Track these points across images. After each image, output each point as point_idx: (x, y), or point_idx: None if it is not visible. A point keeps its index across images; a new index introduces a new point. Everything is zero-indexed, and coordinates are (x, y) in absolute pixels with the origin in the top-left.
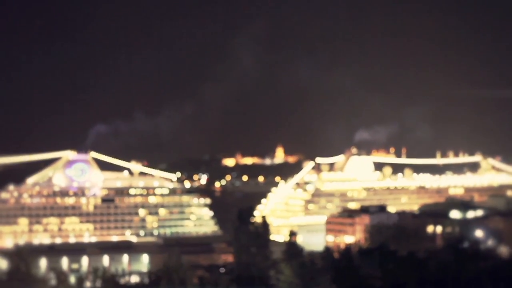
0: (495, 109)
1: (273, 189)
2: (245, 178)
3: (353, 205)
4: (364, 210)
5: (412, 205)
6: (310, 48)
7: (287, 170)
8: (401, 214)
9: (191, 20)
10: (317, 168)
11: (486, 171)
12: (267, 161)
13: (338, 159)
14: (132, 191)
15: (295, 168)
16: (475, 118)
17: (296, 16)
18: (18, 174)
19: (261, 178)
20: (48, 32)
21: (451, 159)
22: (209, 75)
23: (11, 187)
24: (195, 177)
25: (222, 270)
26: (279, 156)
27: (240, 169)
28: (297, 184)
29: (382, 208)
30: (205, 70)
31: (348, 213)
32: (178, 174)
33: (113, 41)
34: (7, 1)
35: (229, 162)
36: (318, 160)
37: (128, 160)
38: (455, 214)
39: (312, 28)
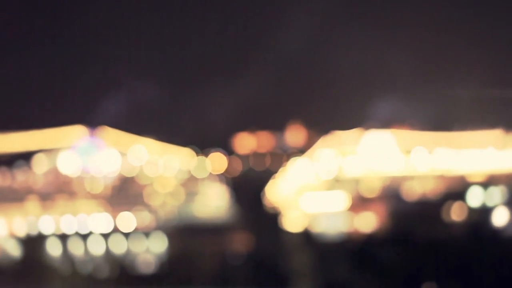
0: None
1: (285, 167)
2: (260, 162)
3: (371, 190)
4: (382, 195)
5: (432, 189)
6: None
7: (304, 149)
8: (420, 200)
9: None
10: (334, 143)
11: (508, 145)
12: (283, 140)
13: (356, 133)
14: (147, 173)
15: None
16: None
17: None
18: (25, 152)
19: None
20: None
21: (471, 134)
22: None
23: (19, 168)
24: (208, 153)
25: (237, 258)
26: (297, 134)
27: (254, 154)
28: (312, 162)
29: (400, 194)
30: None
31: (366, 199)
32: (192, 148)
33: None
34: None
35: (243, 140)
36: (335, 134)
37: (143, 135)
38: (476, 198)
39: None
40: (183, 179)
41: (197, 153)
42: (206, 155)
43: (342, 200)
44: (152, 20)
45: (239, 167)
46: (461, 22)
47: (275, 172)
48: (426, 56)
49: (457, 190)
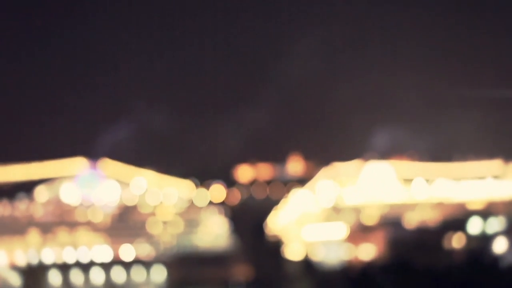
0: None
1: (286, 198)
2: (260, 193)
3: (371, 219)
4: (382, 224)
5: (431, 218)
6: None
7: (304, 181)
8: (419, 228)
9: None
10: (333, 174)
11: (507, 176)
12: (283, 172)
13: (356, 164)
14: (147, 203)
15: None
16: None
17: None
18: (27, 183)
19: (277, 191)
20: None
21: (471, 164)
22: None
23: (20, 199)
24: (208, 185)
25: (238, 286)
26: (297, 165)
27: (255, 185)
28: (312, 193)
29: (400, 222)
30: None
31: (366, 228)
32: (192, 181)
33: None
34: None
35: (243, 172)
36: (335, 165)
37: (144, 167)
38: (475, 227)
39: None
40: (183, 208)
41: (197, 185)
42: (207, 187)
43: (342, 229)
44: (152, 55)
45: (239, 197)
46: (458, 53)
47: (276, 201)
48: (425, 88)
49: (456, 219)
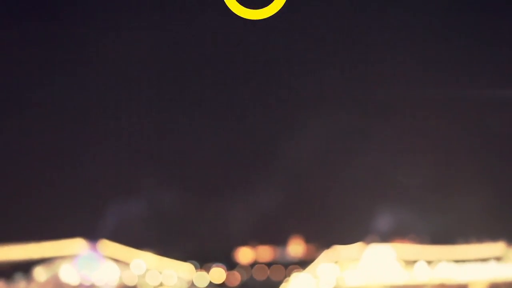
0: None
1: (287, 281)
2: (261, 276)
3: None
4: None
5: None
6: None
7: (305, 264)
8: None
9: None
10: (334, 257)
11: (510, 258)
12: (283, 255)
13: (357, 247)
14: (147, 284)
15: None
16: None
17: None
18: (24, 263)
19: (277, 274)
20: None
21: (473, 246)
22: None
23: (18, 279)
24: (208, 268)
25: None
26: (298, 248)
27: (255, 268)
28: (313, 276)
29: None
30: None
31: None
32: (191, 264)
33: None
34: None
35: (244, 254)
36: (336, 248)
37: (142, 249)
38: None
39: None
40: None
41: (197, 268)
42: (207, 270)
43: None
44: (154, 136)
45: (239, 279)
46: (459, 135)
47: (276, 283)
48: (428, 169)
49: None
